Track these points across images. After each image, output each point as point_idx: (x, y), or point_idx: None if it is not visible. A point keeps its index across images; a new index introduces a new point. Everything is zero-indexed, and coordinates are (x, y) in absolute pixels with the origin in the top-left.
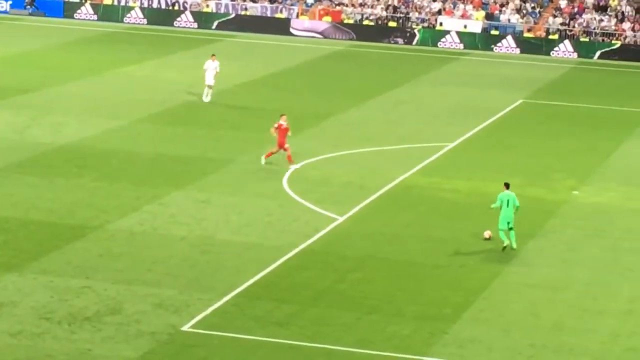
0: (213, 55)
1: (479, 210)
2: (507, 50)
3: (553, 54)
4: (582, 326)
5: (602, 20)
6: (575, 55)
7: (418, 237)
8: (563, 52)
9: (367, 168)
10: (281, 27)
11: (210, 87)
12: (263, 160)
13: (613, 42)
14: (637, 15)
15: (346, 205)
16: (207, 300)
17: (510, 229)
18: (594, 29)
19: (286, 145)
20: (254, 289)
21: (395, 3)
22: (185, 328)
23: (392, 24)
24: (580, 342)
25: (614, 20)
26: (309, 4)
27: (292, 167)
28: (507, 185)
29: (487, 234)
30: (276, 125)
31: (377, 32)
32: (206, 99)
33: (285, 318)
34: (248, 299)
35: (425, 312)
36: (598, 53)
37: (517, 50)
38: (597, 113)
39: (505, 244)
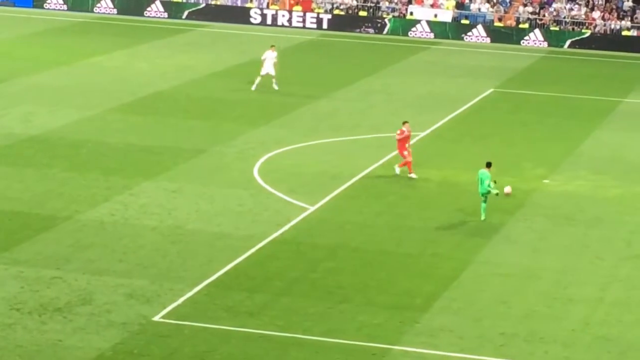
0: (273, 46)
1: (449, 199)
2: (478, 39)
3: (523, 43)
4: (553, 314)
5: (572, 9)
6: (545, 44)
7: (389, 226)
8: (533, 41)
9: (338, 157)
10: (248, 16)
11: (271, 76)
12: (397, 169)
13: (583, 31)
14: (607, 4)
15: (317, 194)
16: (179, 290)
17: (484, 201)
18: (564, 17)
19: (405, 153)
20: (225, 278)
21: None
22: (157, 318)
23: (362, 13)
24: (551, 330)
25: (584, 9)
26: None
27: (412, 176)
28: (487, 164)
29: (507, 189)
30: (398, 131)
31: (347, 21)
32: (275, 86)
33: (256, 308)
34: (219, 288)
35: (396, 302)
36: (568, 42)
37: (488, 40)
38: (568, 102)
39: (482, 218)
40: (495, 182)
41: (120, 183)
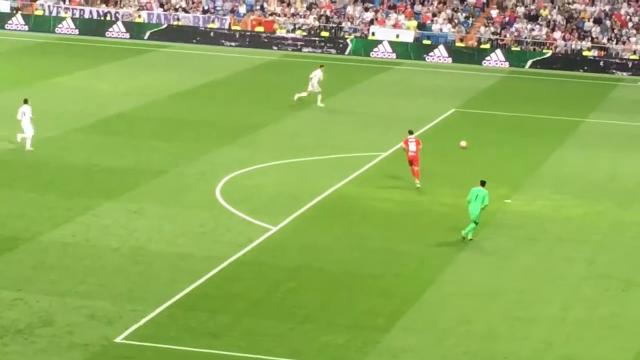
0: (322, 65)
1: (411, 219)
2: (440, 59)
3: (485, 63)
4: (515, 334)
5: (533, 29)
6: (507, 64)
7: (351, 246)
8: (495, 61)
9: (301, 178)
10: (213, 37)
11: (316, 93)
12: (418, 184)
13: (544, 51)
14: (568, 25)
15: (279, 215)
16: (141, 312)
17: (475, 222)
18: (525, 38)
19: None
20: (188, 299)
21: (328, 13)
22: (119, 339)
23: (324, 33)
24: (514, 349)
25: (545, 30)
26: (241, 14)
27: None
28: (482, 183)
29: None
30: (416, 142)
31: (309, 41)
32: (320, 104)
33: (219, 329)
34: (182, 309)
35: (358, 322)
36: (529, 62)
37: (449, 60)
38: (529, 122)
39: (464, 234)
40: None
41: (81, 204)
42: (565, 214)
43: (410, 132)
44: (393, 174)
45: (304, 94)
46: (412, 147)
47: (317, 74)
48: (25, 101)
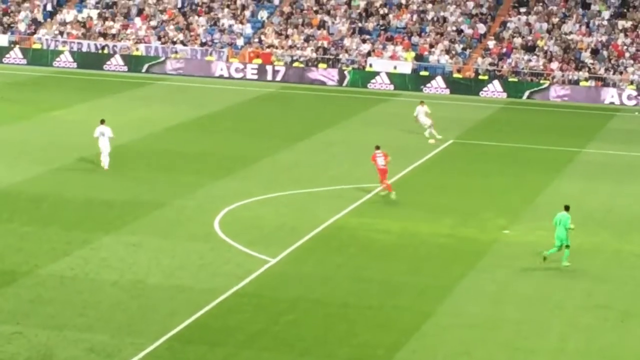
0: (422, 101)
1: (410, 250)
2: (437, 90)
3: (482, 94)
4: None
5: (530, 60)
6: (504, 95)
7: (350, 278)
8: (492, 92)
9: (299, 210)
10: (208, 69)
11: (429, 126)
12: (393, 195)
13: (542, 81)
14: (565, 55)
15: (278, 247)
16: (140, 345)
17: (567, 246)
18: (523, 69)
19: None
20: (187, 332)
21: (325, 45)
22: None
23: (322, 65)
24: None
25: (542, 60)
26: (239, 47)
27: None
28: (566, 208)
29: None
30: (384, 157)
31: (306, 73)
32: (431, 140)
33: None
34: (181, 342)
35: (357, 354)
36: (527, 93)
37: (447, 91)
38: (527, 152)
39: (544, 254)
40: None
41: (80, 237)
42: None
43: (377, 147)
44: (391, 206)
45: (433, 134)
46: (381, 161)
47: (421, 110)
48: (102, 121)
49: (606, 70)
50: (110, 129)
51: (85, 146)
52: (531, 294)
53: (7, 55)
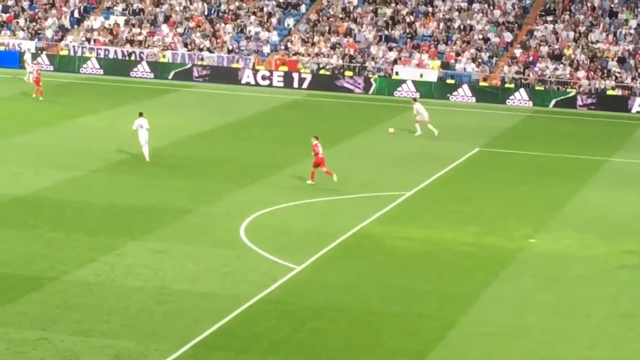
0: (415, 99)
1: (435, 259)
2: (463, 99)
3: (508, 102)
4: None
5: (556, 69)
6: (530, 103)
7: (375, 285)
8: (518, 100)
9: (324, 217)
10: (234, 76)
11: (427, 122)
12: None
13: (568, 90)
14: (592, 64)
15: (303, 254)
16: (165, 351)
17: None
18: (549, 77)
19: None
20: (212, 339)
21: (352, 52)
22: None
23: (348, 73)
24: None
25: (568, 69)
26: (265, 54)
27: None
28: None
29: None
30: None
31: (333, 81)
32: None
33: None
34: (206, 349)
35: None
36: (553, 101)
37: (473, 99)
38: (553, 161)
39: None
40: None
41: (106, 243)
42: (589, 254)
43: (316, 138)
44: (416, 213)
45: (430, 126)
46: (321, 150)
47: (418, 109)
48: (141, 114)
49: (633, 79)
50: (147, 120)
51: (111, 152)
52: (556, 303)
53: (35, 62)
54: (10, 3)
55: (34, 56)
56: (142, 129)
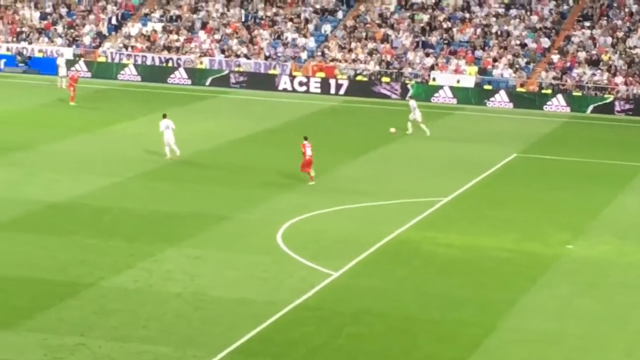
0: (411, 97)
1: (472, 265)
2: (500, 104)
3: (546, 108)
4: None
5: (594, 74)
6: (568, 109)
7: (413, 291)
8: (556, 106)
9: (362, 223)
10: (271, 83)
11: (418, 122)
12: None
13: (606, 96)
14: (629, 69)
15: (341, 260)
16: (202, 357)
17: None
18: (587, 83)
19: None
20: (249, 345)
21: (388, 58)
22: None
23: (385, 79)
24: None
25: (606, 75)
26: (302, 60)
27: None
28: None
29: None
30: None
31: (370, 87)
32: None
33: None
34: (243, 355)
35: None
36: (591, 107)
37: (510, 105)
38: (591, 167)
39: None
40: None
41: (143, 249)
42: (627, 260)
43: (306, 138)
44: (454, 220)
45: (421, 125)
46: (309, 151)
47: (413, 105)
48: (165, 115)
49: None
50: (172, 121)
51: (148, 159)
52: (594, 309)
53: (72, 69)
54: (48, 10)
55: (72, 63)
56: (168, 129)
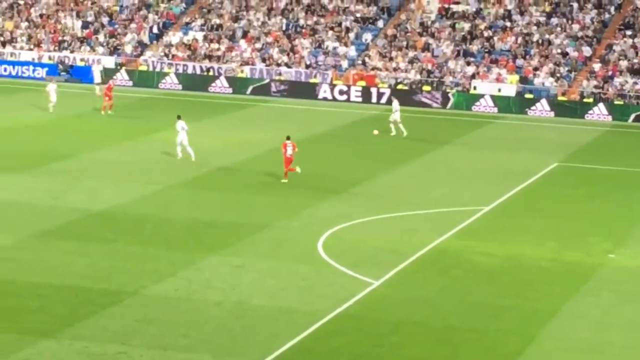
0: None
1: (513, 274)
2: (542, 113)
3: (587, 117)
4: None
5: (636, 83)
6: (609, 118)
7: (453, 301)
8: (597, 115)
9: (402, 232)
10: (312, 91)
11: (398, 122)
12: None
13: None
14: None
15: (381, 269)
16: None
17: None
18: (628, 92)
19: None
20: (289, 354)
21: (429, 67)
22: None
23: (426, 87)
24: None
25: None
26: (343, 69)
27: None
28: None
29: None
30: (289, 148)
31: (409, 96)
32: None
33: None
34: None
35: None
36: (633, 116)
37: (552, 114)
38: (633, 176)
39: None
40: None
41: (184, 258)
42: None
43: (288, 138)
44: (495, 229)
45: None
46: (290, 150)
47: (396, 107)
48: (179, 117)
49: None
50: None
51: (188, 167)
52: (636, 319)
53: (114, 77)
54: (90, 19)
55: (113, 72)
56: (183, 130)
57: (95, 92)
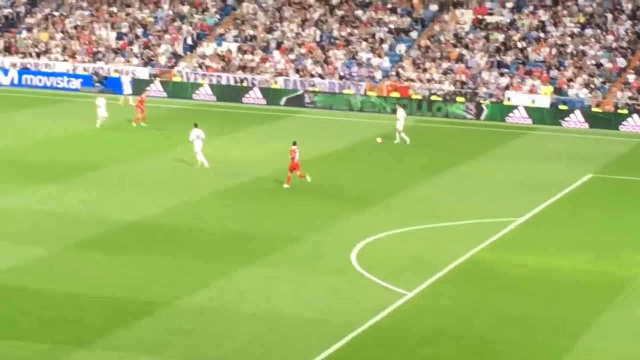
0: (400, 106)
1: (548, 286)
2: (576, 125)
3: (622, 128)
4: None
5: None
6: None
7: (487, 312)
8: (632, 126)
9: (435, 243)
10: (346, 102)
11: (399, 131)
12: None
13: None
14: None
15: (415, 280)
16: None
17: None
18: None
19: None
20: None
21: (463, 79)
22: None
23: (460, 99)
24: None
25: None
26: (377, 80)
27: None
28: None
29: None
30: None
31: (443, 107)
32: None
33: None
34: None
35: None
36: None
37: (586, 125)
38: None
39: None
40: None
41: (217, 269)
42: None
43: (295, 144)
44: (529, 240)
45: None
46: (298, 156)
47: (401, 115)
48: (196, 125)
49: None
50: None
51: (222, 179)
52: None
53: (148, 89)
54: (124, 30)
55: (147, 83)
56: (199, 139)
57: (121, 102)
